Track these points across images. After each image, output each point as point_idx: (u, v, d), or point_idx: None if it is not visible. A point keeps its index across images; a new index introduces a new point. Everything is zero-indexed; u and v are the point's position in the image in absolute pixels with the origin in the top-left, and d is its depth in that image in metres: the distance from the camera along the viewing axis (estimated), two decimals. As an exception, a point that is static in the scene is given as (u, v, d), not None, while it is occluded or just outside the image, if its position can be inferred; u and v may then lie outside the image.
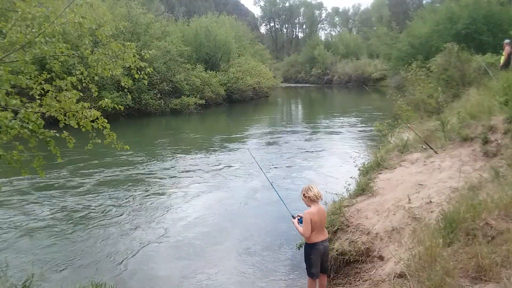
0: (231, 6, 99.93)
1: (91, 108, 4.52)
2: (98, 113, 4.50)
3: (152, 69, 5.20)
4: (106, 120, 4.66)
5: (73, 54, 4.64)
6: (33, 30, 4.20)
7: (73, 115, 4.38)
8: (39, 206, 8.61)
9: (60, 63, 4.69)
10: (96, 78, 4.73)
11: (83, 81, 4.78)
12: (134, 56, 4.78)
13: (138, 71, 4.96)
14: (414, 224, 4.68)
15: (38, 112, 4.22)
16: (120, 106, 4.91)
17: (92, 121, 4.51)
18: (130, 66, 4.80)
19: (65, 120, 4.39)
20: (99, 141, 4.76)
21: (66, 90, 4.46)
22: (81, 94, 4.53)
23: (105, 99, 4.71)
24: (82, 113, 4.35)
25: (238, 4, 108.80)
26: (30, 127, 4.11)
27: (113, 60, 4.68)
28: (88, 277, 5.58)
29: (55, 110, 4.27)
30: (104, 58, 4.61)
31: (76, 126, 4.44)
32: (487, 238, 3.33)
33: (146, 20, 27.35)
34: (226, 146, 15.62)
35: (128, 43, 4.89)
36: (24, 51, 4.27)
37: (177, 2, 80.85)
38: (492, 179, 4.75)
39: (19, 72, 4.46)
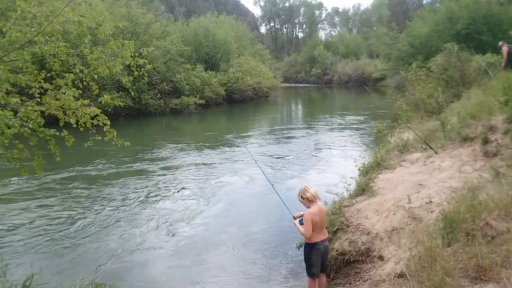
0: (231, 6, 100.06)
1: (90, 105, 4.50)
2: (98, 110, 4.48)
3: (151, 66, 5.18)
4: (106, 117, 4.64)
5: (72, 53, 4.62)
6: (32, 29, 4.19)
7: (73, 113, 4.35)
8: (38, 206, 8.59)
9: (60, 62, 4.68)
10: (96, 77, 4.71)
11: (84, 79, 4.77)
12: (132, 54, 4.76)
13: (137, 68, 4.93)
14: (414, 224, 4.68)
15: (37, 111, 4.21)
16: (119, 102, 4.89)
17: (92, 118, 4.49)
18: (130, 63, 4.78)
19: (64, 118, 4.37)
20: (99, 138, 4.74)
21: (66, 85, 4.44)
22: (80, 92, 4.51)
23: (105, 96, 4.68)
24: (82, 110, 4.33)
25: (238, 4, 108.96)
26: (30, 125, 4.10)
27: (113, 58, 4.66)
28: (88, 277, 5.58)
29: (55, 108, 4.25)
30: (103, 57, 4.60)
31: (75, 125, 4.42)
32: (487, 238, 3.33)
33: (146, 20, 27.34)
34: (227, 146, 15.61)
35: (127, 41, 4.88)
36: (24, 50, 4.26)
37: (177, 2, 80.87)
38: (492, 179, 4.75)
39: (19, 72, 4.45)
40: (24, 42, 4.19)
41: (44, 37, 4.30)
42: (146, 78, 5.05)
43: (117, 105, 4.90)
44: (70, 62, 4.81)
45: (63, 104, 4.30)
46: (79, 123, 4.45)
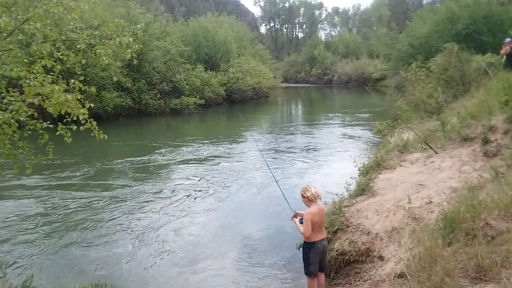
0: (231, 6, 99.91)
1: (65, 92, 4.35)
2: (72, 96, 4.29)
3: (140, 47, 5.12)
4: (84, 108, 4.52)
5: (61, 38, 4.57)
6: (18, 17, 4.16)
7: (48, 99, 4.19)
8: (38, 205, 8.59)
9: (47, 50, 4.59)
10: (84, 61, 4.64)
11: (66, 65, 4.67)
12: (117, 28, 4.70)
13: (128, 46, 4.82)
14: (414, 224, 4.68)
15: (19, 101, 4.14)
16: (102, 97, 4.86)
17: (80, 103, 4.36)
18: (120, 41, 4.67)
19: (44, 103, 4.22)
20: (75, 126, 4.58)
21: (52, 72, 4.34)
22: (52, 77, 4.34)
23: (74, 82, 4.48)
24: (58, 97, 4.16)
25: (238, 4, 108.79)
26: (9, 114, 4.02)
27: (103, 40, 4.61)
28: (88, 277, 5.58)
29: (34, 97, 4.11)
30: (92, 40, 4.54)
31: (56, 114, 4.30)
32: (487, 238, 3.33)
33: (146, 20, 27.30)
34: (227, 145, 15.60)
35: (117, 20, 4.86)
36: (9, 39, 4.22)
37: (177, 2, 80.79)
38: (492, 179, 4.74)
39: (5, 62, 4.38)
40: (10, 32, 4.14)
41: (30, 25, 4.22)
42: (135, 60, 4.95)
43: (105, 98, 4.87)
44: (59, 47, 4.68)
45: (37, 91, 4.15)
46: (57, 110, 4.28)
